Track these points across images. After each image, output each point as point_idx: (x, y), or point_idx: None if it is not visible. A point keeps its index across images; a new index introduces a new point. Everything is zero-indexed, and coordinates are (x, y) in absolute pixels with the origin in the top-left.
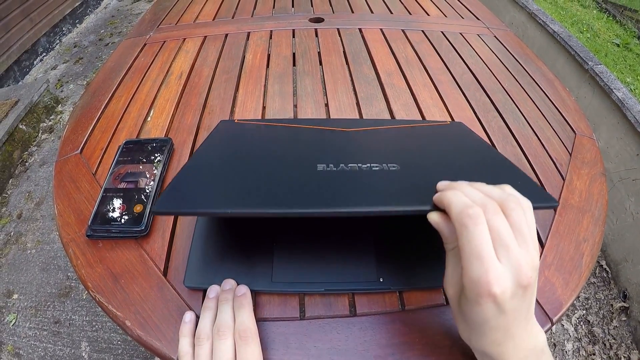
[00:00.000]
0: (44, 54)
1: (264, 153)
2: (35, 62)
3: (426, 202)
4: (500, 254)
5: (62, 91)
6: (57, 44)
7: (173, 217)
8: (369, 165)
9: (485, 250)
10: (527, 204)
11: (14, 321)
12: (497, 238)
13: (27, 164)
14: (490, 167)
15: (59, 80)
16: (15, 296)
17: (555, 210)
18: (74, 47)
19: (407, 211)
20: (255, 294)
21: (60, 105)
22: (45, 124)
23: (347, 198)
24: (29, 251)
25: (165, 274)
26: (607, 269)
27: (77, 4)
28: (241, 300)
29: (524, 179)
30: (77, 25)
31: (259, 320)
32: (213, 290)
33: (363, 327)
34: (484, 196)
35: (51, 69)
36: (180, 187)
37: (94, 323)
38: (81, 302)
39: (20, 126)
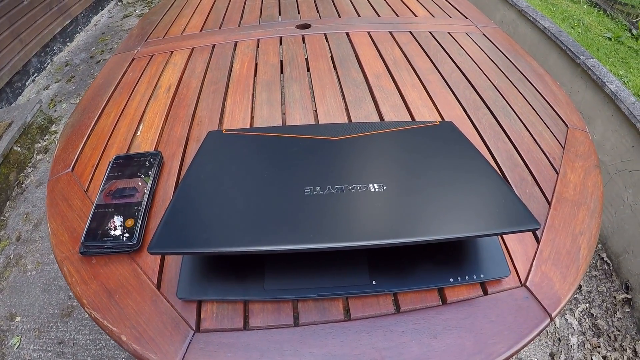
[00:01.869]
0: (36, 74)
1: (253, 175)
2: (27, 83)
3: (406, 235)
4: None
5: (55, 111)
6: (48, 64)
7: None
8: (355, 186)
9: None
10: None
11: (18, 344)
12: None
13: (23, 185)
14: (476, 183)
15: (51, 100)
16: (18, 319)
17: (550, 205)
18: (66, 65)
19: (388, 244)
20: (248, 303)
21: (54, 125)
22: (39, 145)
23: (330, 233)
24: (29, 273)
25: (158, 287)
26: (608, 261)
27: (66, 23)
28: None
29: (507, 196)
30: (68, 43)
31: (252, 329)
32: None
33: (358, 331)
34: None
35: (43, 89)
36: (173, 224)
37: (97, 341)
38: (84, 321)
39: (15, 148)
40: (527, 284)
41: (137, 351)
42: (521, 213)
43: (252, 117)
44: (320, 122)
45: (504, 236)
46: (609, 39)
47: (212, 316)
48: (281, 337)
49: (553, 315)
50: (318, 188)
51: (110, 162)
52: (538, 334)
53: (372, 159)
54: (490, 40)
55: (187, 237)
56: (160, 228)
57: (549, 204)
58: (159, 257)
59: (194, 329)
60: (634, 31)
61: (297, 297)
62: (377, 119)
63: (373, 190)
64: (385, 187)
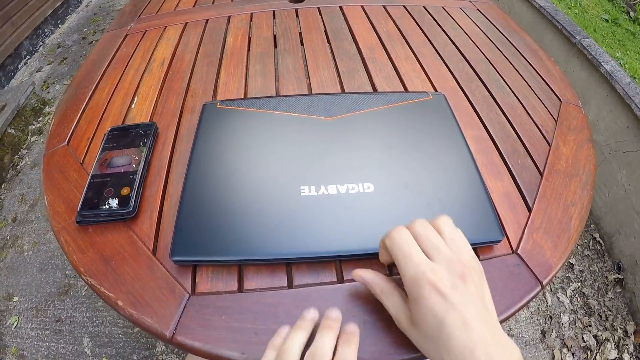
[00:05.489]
0: (28, 56)
1: (251, 169)
2: (19, 66)
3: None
4: (432, 255)
5: (48, 92)
6: (40, 46)
7: (160, 196)
8: (346, 186)
9: (414, 250)
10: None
11: (15, 323)
12: (427, 242)
13: (18, 167)
14: (455, 183)
15: (44, 81)
16: (15, 298)
17: (542, 176)
18: (58, 47)
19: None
20: (242, 267)
21: (47, 107)
22: (33, 126)
23: (327, 241)
24: (26, 253)
25: (154, 253)
26: (601, 241)
27: (58, 4)
28: (350, 337)
29: (482, 204)
30: (60, 25)
31: (247, 291)
32: (311, 313)
33: (351, 294)
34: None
35: (36, 71)
36: (188, 230)
37: (94, 319)
38: (80, 298)
39: (9, 130)
40: (519, 251)
41: (134, 315)
42: (489, 224)
43: (245, 88)
44: (313, 93)
45: (496, 204)
46: (606, 20)
47: (207, 280)
48: (274, 299)
49: (544, 282)
50: (313, 188)
51: (105, 134)
52: (529, 301)
53: (362, 151)
54: (485, 16)
55: (204, 245)
56: (176, 233)
57: (541, 174)
58: (154, 223)
59: (189, 292)
60: (632, 13)
61: (292, 259)
62: (370, 89)
63: (362, 190)
64: (373, 189)
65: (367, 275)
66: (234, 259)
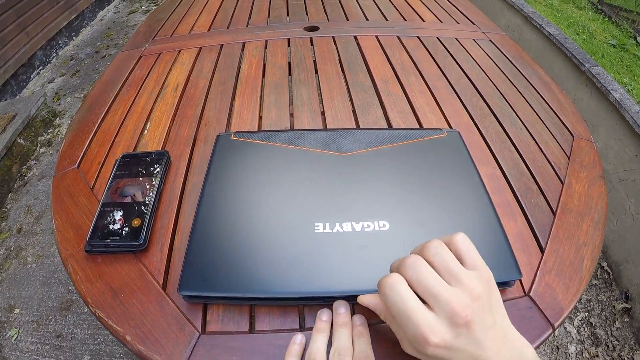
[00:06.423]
0: (41, 67)
1: (265, 205)
2: (32, 76)
3: None
4: (432, 304)
5: (59, 104)
6: (53, 57)
7: (172, 229)
8: (361, 224)
9: (410, 308)
10: (458, 237)
11: (15, 336)
12: (423, 290)
13: (25, 178)
14: (473, 224)
15: (56, 93)
16: (16, 311)
17: (554, 215)
18: (71, 60)
19: None
20: (254, 307)
21: (58, 119)
22: (43, 138)
23: (342, 280)
24: (29, 265)
25: (164, 288)
26: (609, 270)
27: (72, 17)
28: (361, 329)
29: (500, 244)
30: (74, 38)
31: (258, 333)
32: (325, 313)
33: None
34: (402, 258)
35: (48, 82)
36: (197, 264)
37: (95, 336)
38: (83, 315)
39: (19, 140)
40: (531, 294)
41: (142, 352)
42: (507, 263)
43: (260, 118)
44: (328, 127)
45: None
46: (614, 46)
47: (217, 319)
48: (286, 341)
49: (555, 325)
50: (327, 225)
51: (117, 161)
52: (540, 344)
53: (377, 189)
54: (497, 47)
55: (214, 280)
56: (185, 266)
57: (554, 214)
58: (165, 257)
59: (200, 331)
60: (639, 39)
61: (304, 302)
62: (384, 124)
63: (377, 228)
64: (388, 226)
65: (370, 301)
66: (245, 295)
